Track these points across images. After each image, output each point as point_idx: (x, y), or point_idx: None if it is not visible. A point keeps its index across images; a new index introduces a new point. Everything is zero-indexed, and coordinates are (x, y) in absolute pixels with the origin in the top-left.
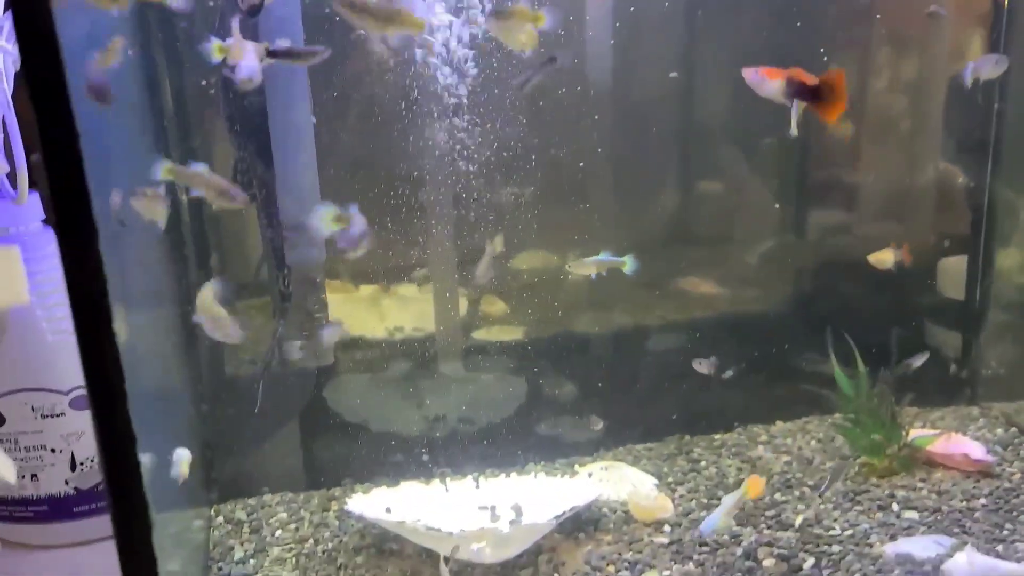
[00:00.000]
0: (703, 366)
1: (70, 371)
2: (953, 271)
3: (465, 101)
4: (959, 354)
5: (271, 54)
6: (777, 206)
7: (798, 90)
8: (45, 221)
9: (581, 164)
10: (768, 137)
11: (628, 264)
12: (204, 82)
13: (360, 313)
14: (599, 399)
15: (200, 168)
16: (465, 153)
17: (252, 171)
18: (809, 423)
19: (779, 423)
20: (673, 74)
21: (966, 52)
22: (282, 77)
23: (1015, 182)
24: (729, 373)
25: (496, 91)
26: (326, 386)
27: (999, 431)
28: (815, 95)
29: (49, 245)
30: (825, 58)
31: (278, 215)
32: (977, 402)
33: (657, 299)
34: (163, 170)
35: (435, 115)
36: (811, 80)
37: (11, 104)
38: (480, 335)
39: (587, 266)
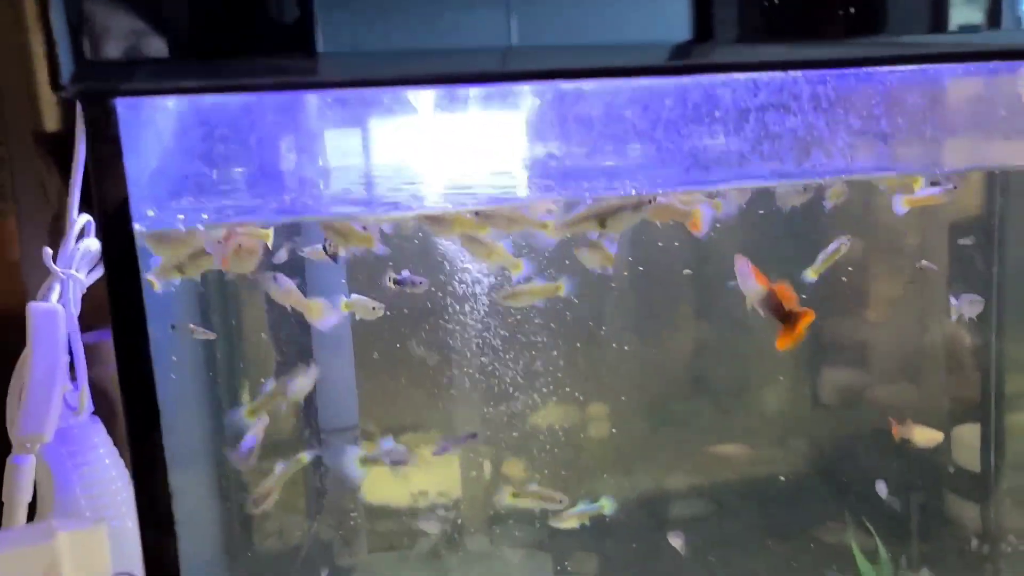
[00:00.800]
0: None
1: (112, 558)
2: (967, 439)
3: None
4: (979, 527)
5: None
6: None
7: (773, 306)
8: (94, 412)
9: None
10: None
11: (563, 288)
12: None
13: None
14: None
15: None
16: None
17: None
18: None
19: None
20: (687, 271)
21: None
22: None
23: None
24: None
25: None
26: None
27: None
28: (783, 318)
29: (97, 435)
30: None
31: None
32: None
33: (678, 464)
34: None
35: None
36: (788, 305)
37: (78, 330)
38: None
39: (522, 295)
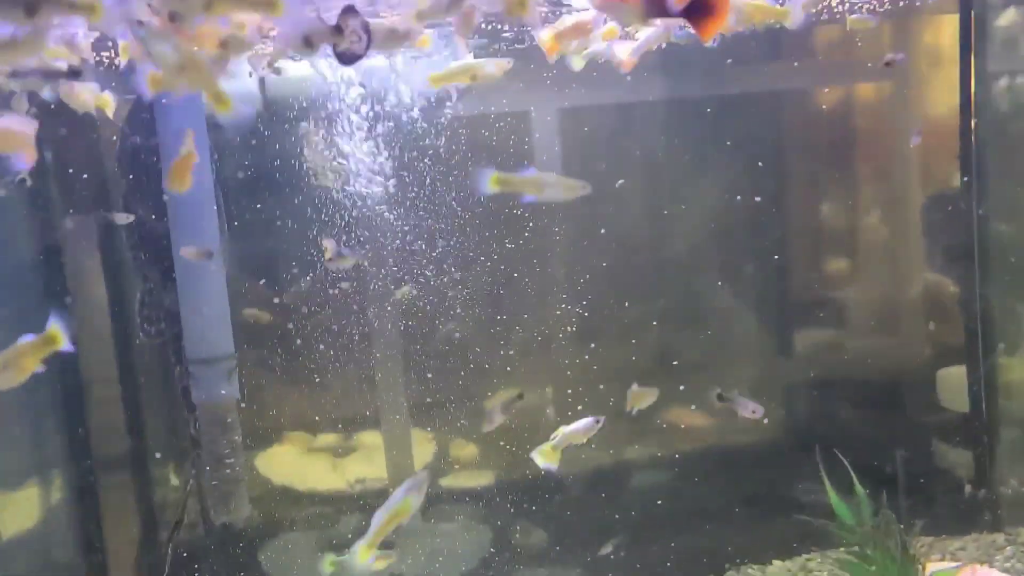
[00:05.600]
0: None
1: None
2: (953, 381)
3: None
4: (973, 474)
5: None
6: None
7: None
8: None
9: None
10: (752, 260)
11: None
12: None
13: (315, 465)
14: (577, 546)
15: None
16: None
17: (158, 303)
18: (811, 560)
19: (776, 562)
20: (620, 181)
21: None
22: (189, 206)
23: (1008, 287)
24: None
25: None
26: (263, 549)
27: None
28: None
29: None
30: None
31: (183, 351)
32: (1002, 528)
33: (638, 434)
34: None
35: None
36: None
37: None
38: (447, 482)
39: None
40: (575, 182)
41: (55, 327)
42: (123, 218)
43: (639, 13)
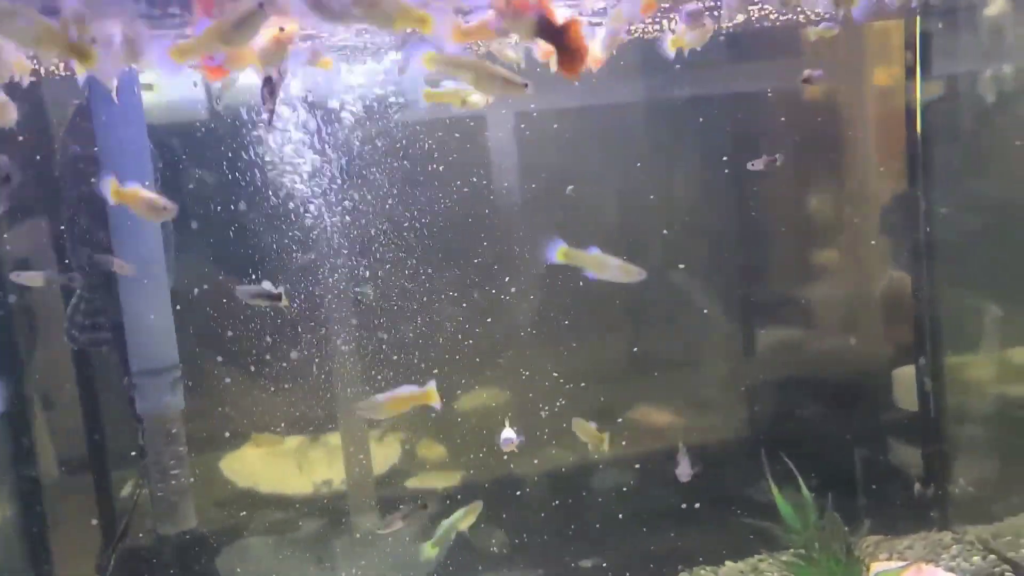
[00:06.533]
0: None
1: None
2: (907, 381)
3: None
4: (923, 472)
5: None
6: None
7: (546, 30)
8: None
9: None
10: (712, 257)
11: (433, 395)
12: None
13: (282, 467)
14: (536, 547)
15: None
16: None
17: (93, 311)
18: (762, 561)
19: (728, 563)
20: (569, 188)
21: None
22: (130, 215)
23: (959, 285)
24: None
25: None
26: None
27: (976, 559)
28: (559, 41)
29: None
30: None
31: (127, 357)
32: (949, 527)
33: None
34: None
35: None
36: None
37: None
38: (413, 483)
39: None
40: (633, 268)
41: None
42: (122, 267)
43: (530, 28)
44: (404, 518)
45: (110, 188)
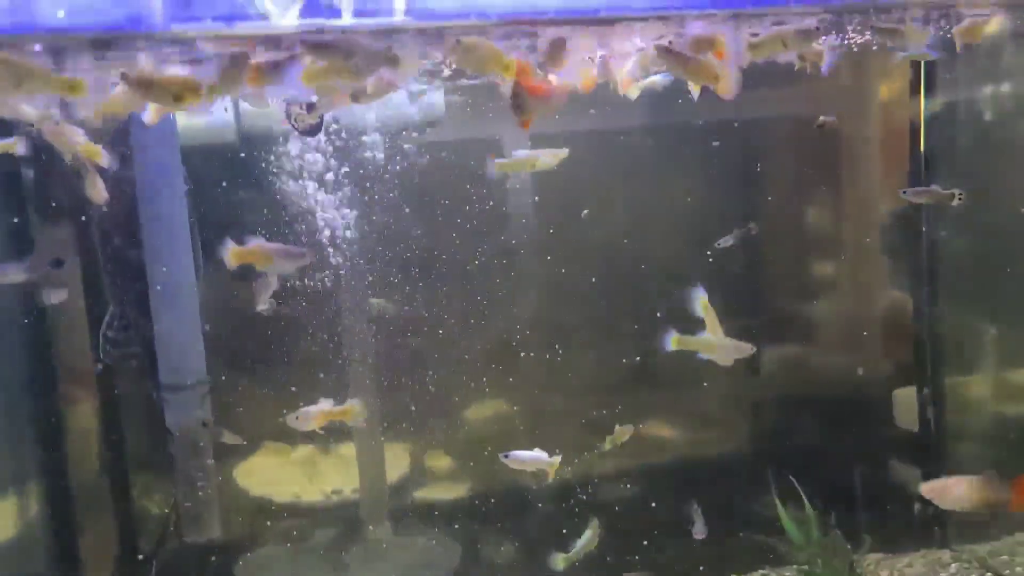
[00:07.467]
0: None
1: None
2: (908, 401)
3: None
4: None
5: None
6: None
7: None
8: None
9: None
10: (714, 275)
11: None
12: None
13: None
14: (538, 560)
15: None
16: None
17: (125, 327)
18: None
19: None
20: (584, 212)
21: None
22: (163, 229)
23: (960, 307)
24: None
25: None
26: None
27: None
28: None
29: None
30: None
31: (158, 375)
32: (948, 545)
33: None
34: None
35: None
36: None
37: None
38: (421, 494)
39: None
40: (745, 345)
41: None
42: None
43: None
44: None
45: (229, 253)
